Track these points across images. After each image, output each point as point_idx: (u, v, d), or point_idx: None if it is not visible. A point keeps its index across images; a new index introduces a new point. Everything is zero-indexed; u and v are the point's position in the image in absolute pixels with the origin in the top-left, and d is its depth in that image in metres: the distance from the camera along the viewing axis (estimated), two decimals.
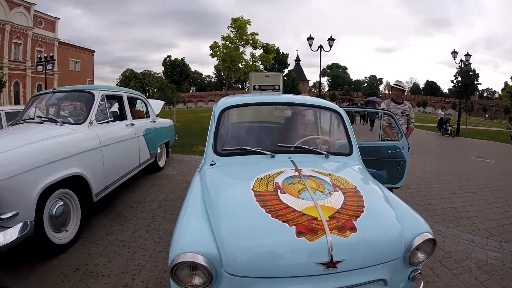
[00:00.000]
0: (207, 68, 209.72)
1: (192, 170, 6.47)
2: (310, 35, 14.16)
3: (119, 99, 4.66)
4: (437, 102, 76.51)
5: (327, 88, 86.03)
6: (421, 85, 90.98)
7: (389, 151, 4.16)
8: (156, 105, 6.79)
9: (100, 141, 3.59)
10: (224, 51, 11.03)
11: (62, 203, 2.94)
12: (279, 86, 3.64)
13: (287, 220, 1.63)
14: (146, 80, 13.43)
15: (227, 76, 12.00)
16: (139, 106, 5.80)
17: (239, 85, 75.49)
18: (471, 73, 20.87)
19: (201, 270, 1.53)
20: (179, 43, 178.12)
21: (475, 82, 21.21)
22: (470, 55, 19.09)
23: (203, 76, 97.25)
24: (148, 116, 5.88)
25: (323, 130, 3.50)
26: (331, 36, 14.33)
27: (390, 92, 5.06)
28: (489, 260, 3.34)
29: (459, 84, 19.60)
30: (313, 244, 1.53)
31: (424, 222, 1.90)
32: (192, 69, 18.92)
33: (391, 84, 5.19)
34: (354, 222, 1.66)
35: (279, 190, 1.91)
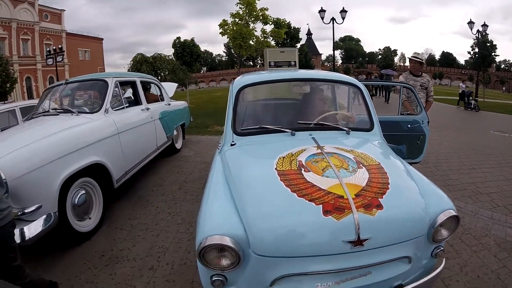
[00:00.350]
0: (217, 47, 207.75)
1: (209, 151, 6.53)
2: (322, 7, 13.66)
3: (132, 84, 4.66)
4: (453, 74, 73.25)
5: (340, 61, 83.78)
6: (437, 57, 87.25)
7: (409, 125, 4.05)
8: (170, 87, 6.76)
9: (117, 128, 3.62)
10: (234, 28, 10.76)
11: (84, 192, 3.00)
12: (295, 61, 3.54)
13: (313, 199, 1.61)
14: (158, 63, 13.39)
15: (239, 54, 11.77)
16: (153, 90, 5.78)
17: (250, 63, 74.42)
18: (488, 44, 19.76)
19: (229, 252, 1.55)
20: (187, 23, 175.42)
21: (493, 54, 20.09)
22: (487, 26, 18.10)
23: (214, 55, 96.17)
24: (162, 99, 5.87)
25: (342, 105, 3.41)
26: (343, 8, 13.75)
27: (408, 65, 4.81)
28: (507, 238, 3.26)
29: (476, 55, 18.61)
30: (340, 222, 1.52)
31: (448, 199, 1.87)
32: (202, 49, 18.86)
33: (408, 56, 4.96)
34: (380, 199, 1.64)
35: (303, 169, 1.89)
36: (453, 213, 1.75)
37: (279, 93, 3.67)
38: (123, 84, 4.28)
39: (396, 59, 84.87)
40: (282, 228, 1.59)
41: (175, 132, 6.10)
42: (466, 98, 16.48)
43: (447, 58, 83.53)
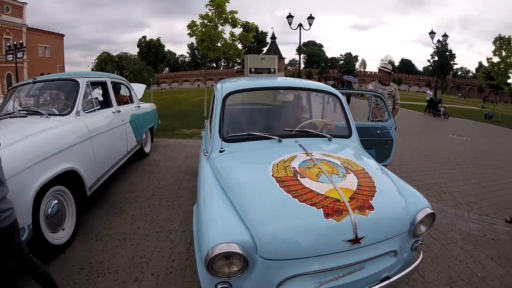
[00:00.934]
0: (180, 47, 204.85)
1: (179, 155, 6.41)
2: (290, 13, 14.04)
3: (103, 85, 4.43)
4: (411, 80, 78.50)
5: (303, 65, 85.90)
6: (396, 63, 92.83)
7: (378, 131, 4.29)
8: (139, 89, 6.53)
9: (89, 131, 3.44)
10: (203, 30, 10.61)
11: (56, 201, 2.79)
12: (274, 68, 3.61)
13: (314, 204, 1.73)
14: (123, 63, 12.82)
15: (206, 56, 11.63)
16: (122, 91, 5.55)
17: (214, 64, 73.46)
18: (447, 53, 21.48)
19: (236, 258, 1.58)
20: (151, 22, 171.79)
21: (451, 62, 21.86)
22: (448, 36, 19.62)
23: (177, 55, 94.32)
24: (132, 101, 5.66)
25: (319, 113, 3.56)
26: (310, 14, 14.26)
27: (368, 70, 5.13)
28: (471, 232, 3.61)
29: (436, 63, 20.05)
30: (339, 224, 1.66)
31: (424, 198, 2.12)
32: (165, 49, 18.24)
33: (378, 66, 5.27)
34: (370, 201, 1.82)
35: (298, 175, 2.00)
36: (430, 210, 1.99)
37: (263, 100, 3.70)
38: (94, 85, 4.06)
39: (357, 64, 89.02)
40: (288, 231, 1.66)
41: (144, 136, 5.90)
42: (435, 106, 16.56)
43: (406, 65, 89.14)
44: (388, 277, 1.87)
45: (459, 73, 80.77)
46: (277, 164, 2.12)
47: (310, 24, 14.38)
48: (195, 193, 4.26)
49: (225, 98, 2.69)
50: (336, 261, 1.69)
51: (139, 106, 5.79)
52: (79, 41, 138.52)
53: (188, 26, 10.87)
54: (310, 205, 1.72)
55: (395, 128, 4.51)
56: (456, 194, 4.74)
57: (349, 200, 1.77)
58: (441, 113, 16.01)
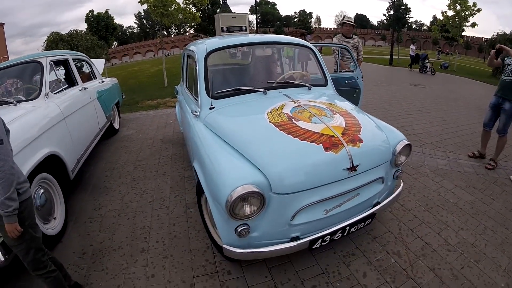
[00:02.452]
0: (126, 19, 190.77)
1: (150, 126, 6.33)
2: None
3: (64, 63, 4.18)
4: (367, 34, 79.99)
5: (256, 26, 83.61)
6: (353, 17, 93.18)
7: (346, 81, 4.52)
8: (98, 64, 6.18)
9: (62, 112, 3.30)
10: None
11: (42, 190, 2.69)
12: (245, 26, 3.65)
13: (313, 141, 1.96)
14: (75, 40, 11.75)
15: (161, 23, 11.05)
16: (84, 68, 5.25)
17: (164, 32, 69.18)
18: (402, 7, 22.01)
19: (253, 197, 1.74)
20: None
21: (407, 16, 22.40)
22: None
23: (124, 28, 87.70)
24: (95, 77, 5.40)
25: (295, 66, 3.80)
26: None
27: (324, 27, 5.33)
28: (439, 166, 4.06)
29: (391, 17, 20.49)
30: (338, 155, 1.91)
31: (399, 132, 2.44)
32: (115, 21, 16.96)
33: (343, 20, 5.41)
34: (359, 135, 2.09)
35: (293, 119, 2.20)
36: (407, 142, 2.31)
37: (243, 56, 3.82)
38: (56, 64, 3.83)
39: (312, 21, 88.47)
40: (297, 166, 1.85)
41: (111, 112, 5.72)
42: (420, 61, 15.96)
43: (361, 20, 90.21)
44: (378, 203, 2.22)
45: (413, 27, 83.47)
46: (271, 112, 2.29)
47: None
48: (177, 160, 4.38)
49: (208, 56, 2.72)
50: (338, 188, 1.95)
51: (102, 81, 5.55)
52: (18, 29, 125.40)
53: None
54: (310, 142, 1.94)
55: (362, 77, 4.81)
56: (421, 136, 5.21)
57: (341, 135, 2.02)
58: (428, 69, 15.46)
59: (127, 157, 4.64)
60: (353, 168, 1.93)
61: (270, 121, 2.17)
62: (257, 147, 1.98)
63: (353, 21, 5.35)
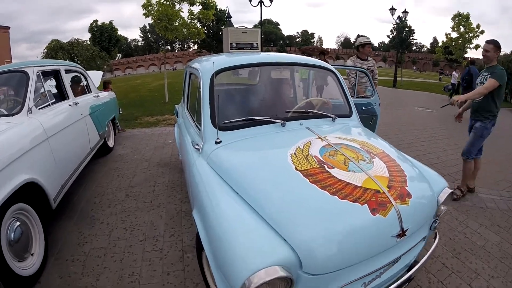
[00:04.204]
0: (131, 32, 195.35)
1: (146, 146, 5.89)
2: None
3: (56, 74, 3.78)
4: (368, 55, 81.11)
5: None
6: (352, 39, 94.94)
7: (363, 108, 4.18)
8: (95, 76, 5.82)
9: (46, 131, 2.87)
10: (159, 9, 9.77)
11: (18, 223, 2.25)
12: (257, 43, 3.25)
13: (356, 199, 1.49)
14: (75, 50, 11.49)
15: (164, 37, 10.81)
16: (78, 80, 4.86)
17: (168, 47, 69.85)
18: (406, 29, 22.26)
19: (280, 280, 1.26)
20: (98, 7, 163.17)
21: (411, 38, 22.65)
22: (408, 12, 20.06)
23: (129, 40, 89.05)
24: (89, 91, 5.00)
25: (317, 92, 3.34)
26: None
27: (363, 48, 4.96)
28: (461, 201, 3.71)
29: (395, 39, 20.65)
30: (387, 218, 1.47)
31: (442, 178, 2.03)
32: (118, 33, 16.84)
33: (362, 41, 5.07)
34: (406, 188, 1.65)
35: (325, 165, 1.71)
36: (450, 190, 1.91)
37: (255, 78, 3.32)
38: (46, 75, 3.43)
39: (313, 41, 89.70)
40: (336, 236, 1.38)
41: (106, 129, 5.30)
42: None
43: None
44: (416, 262, 1.77)
45: (414, 48, 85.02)
46: (295, 153, 1.81)
47: (271, 1, 13.90)
48: (174, 189, 3.92)
49: (215, 76, 2.28)
50: (382, 259, 1.52)
51: (98, 96, 5.15)
52: (24, 33, 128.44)
53: (143, 5, 9.95)
54: (352, 202, 1.47)
55: (379, 103, 4.45)
56: (438, 166, 4.79)
57: (388, 189, 1.57)
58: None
59: (119, 182, 4.18)
60: (402, 234, 1.50)
61: (296, 168, 1.67)
62: (282, 206, 1.49)
63: (370, 41, 5.05)
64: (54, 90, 3.87)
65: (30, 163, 2.48)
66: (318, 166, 1.69)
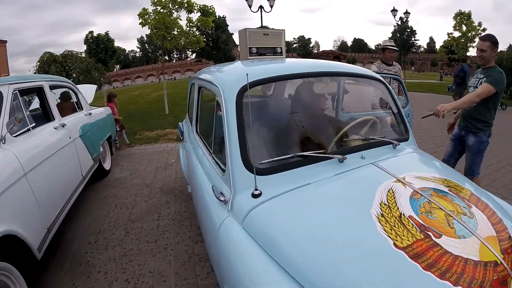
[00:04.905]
0: (129, 43, 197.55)
1: (147, 167, 5.28)
2: None
3: (38, 92, 3.21)
4: (365, 58, 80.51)
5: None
6: (349, 43, 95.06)
7: None
8: (88, 91, 5.26)
9: (23, 165, 2.28)
10: (156, 17, 9.27)
11: None
12: (281, 48, 2.64)
13: (482, 284, 0.97)
14: (69, 62, 10.93)
15: (162, 46, 10.30)
16: (67, 96, 4.29)
17: (166, 57, 69.57)
18: (408, 30, 22.07)
19: None
20: (96, 20, 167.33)
21: (413, 39, 22.61)
22: (409, 13, 19.70)
23: (127, 51, 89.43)
24: (81, 108, 4.43)
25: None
26: None
27: (383, 53, 4.43)
28: None
29: (398, 41, 20.51)
30: None
31: None
32: (115, 45, 16.36)
33: (383, 44, 4.55)
34: None
35: (430, 233, 1.13)
36: None
37: (295, 95, 2.42)
38: (26, 93, 2.87)
39: (311, 46, 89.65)
40: None
41: (101, 149, 4.72)
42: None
43: (359, 44, 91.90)
44: None
45: (411, 48, 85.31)
46: (381, 214, 1.21)
47: (271, 6, 13.47)
48: (182, 223, 3.28)
49: (240, 98, 1.61)
50: None
51: (90, 114, 4.57)
52: (23, 47, 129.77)
53: (139, 14, 9.46)
54: None
55: (412, 115, 3.90)
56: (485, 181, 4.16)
57: (503, 256, 1.09)
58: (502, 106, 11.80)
59: (117, 213, 3.58)
60: None
61: (396, 244, 1.06)
62: None
63: (396, 46, 4.50)
64: (37, 111, 3.29)
65: (4, 209, 1.90)
66: (422, 237, 1.10)
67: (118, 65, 78.05)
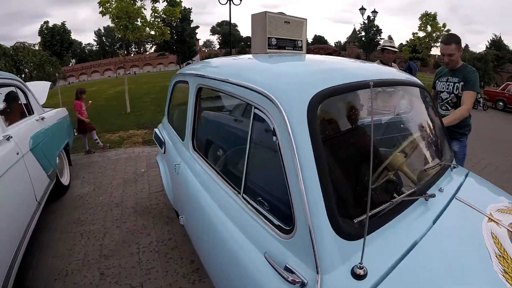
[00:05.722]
0: (85, 36, 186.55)
1: (114, 179, 4.50)
2: None
3: None
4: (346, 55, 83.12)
5: (217, 46, 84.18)
6: (310, 40, 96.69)
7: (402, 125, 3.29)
8: (40, 89, 4.35)
9: None
10: (119, 6, 8.28)
11: None
12: (301, 41, 2.10)
13: None
14: (20, 56, 9.44)
15: (125, 38, 9.30)
16: (14, 98, 3.41)
17: (124, 51, 65.31)
18: (374, 29, 22.94)
19: None
20: (52, 12, 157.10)
21: (379, 37, 23.71)
22: (377, 12, 20.13)
23: (83, 45, 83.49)
24: (31, 112, 3.57)
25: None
26: None
27: (382, 54, 4.09)
28: None
29: (364, 39, 21.32)
30: None
31: None
32: (71, 37, 14.64)
33: (382, 45, 4.21)
34: None
35: None
36: None
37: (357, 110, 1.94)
38: None
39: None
40: None
41: (57, 160, 3.89)
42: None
43: (319, 41, 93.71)
44: None
45: (376, 47, 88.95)
46: (504, 271, 0.99)
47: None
48: (170, 256, 2.57)
49: (314, 115, 1.05)
50: None
51: (43, 118, 3.73)
52: None
53: (99, 2, 8.40)
54: None
55: None
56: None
57: None
58: (481, 105, 13.40)
59: (85, 246, 2.87)
60: None
61: None
62: None
63: (396, 47, 4.17)
64: None
65: None
66: None
67: (73, 59, 72.78)
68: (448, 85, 2.76)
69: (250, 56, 1.95)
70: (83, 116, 5.92)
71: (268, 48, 1.91)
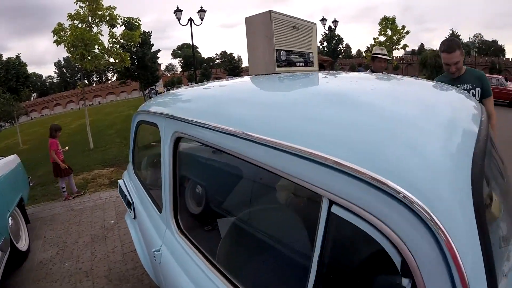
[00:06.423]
0: (46, 68, 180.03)
1: (81, 236, 3.75)
2: (178, 7, 11.82)
3: None
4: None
5: (180, 69, 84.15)
6: None
7: None
8: None
9: None
10: (74, 33, 7.62)
11: None
12: (312, 54, 1.63)
13: None
14: None
15: (82, 68, 8.57)
16: None
17: (85, 81, 62.98)
18: (336, 38, 23.82)
19: None
20: (10, 44, 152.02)
21: (341, 46, 24.57)
22: (338, 22, 20.69)
23: (44, 77, 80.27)
24: None
25: None
26: (201, 7, 12.29)
27: (373, 62, 3.81)
28: None
29: (327, 49, 22.02)
30: None
31: None
32: (30, 72, 13.57)
33: (373, 53, 3.93)
34: None
35: None
36: None
37: None
38: None
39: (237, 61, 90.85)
40: None
41: (10, 222, 3.17)
42: None
43: None
44: None
45: (338, 56, 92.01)
46: None
47: (202, 19, 12.46)
48: None
49: None
50: None
51: None
52: None
53: (53, 31, 7.72)
54: None
55: None
56: None
57: None
58: None
59: None
60: None
61: None
62: None
63: (387, 55, 3.92)
64: None
65: None
66: None
67: (35, 93, 69.09)
68: None
69: (261, 78, 1.42)
70: (59, 156, 5.16)
71: (278, 65, 1.42)
